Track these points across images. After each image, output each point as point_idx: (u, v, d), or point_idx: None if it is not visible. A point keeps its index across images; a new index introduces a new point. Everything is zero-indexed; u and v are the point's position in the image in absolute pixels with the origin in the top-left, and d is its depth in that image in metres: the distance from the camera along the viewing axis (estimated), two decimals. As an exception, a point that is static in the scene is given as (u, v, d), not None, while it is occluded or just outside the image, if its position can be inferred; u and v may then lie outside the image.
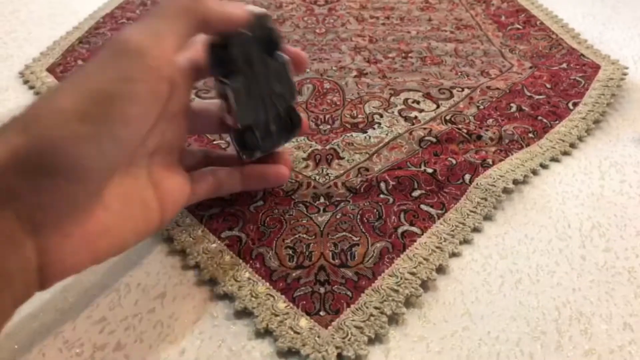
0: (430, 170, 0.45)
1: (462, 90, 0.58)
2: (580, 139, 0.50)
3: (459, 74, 0.62)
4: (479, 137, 0.50)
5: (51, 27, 0.77)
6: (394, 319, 0.33)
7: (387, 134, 0.50)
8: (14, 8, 0.84)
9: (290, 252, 0.37)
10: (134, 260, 0.37)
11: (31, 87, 0.60)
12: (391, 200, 0.42)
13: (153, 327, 0.32)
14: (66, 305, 0.34)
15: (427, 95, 0.57)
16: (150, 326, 0.33)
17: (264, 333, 0.32)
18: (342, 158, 0.47)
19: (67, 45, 0.70)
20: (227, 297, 0.34)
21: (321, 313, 0.33)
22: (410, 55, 0.67)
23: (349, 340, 0.31)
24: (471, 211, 0.41)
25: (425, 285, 0.35)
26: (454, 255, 0.37)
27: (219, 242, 0.38)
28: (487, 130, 0.51)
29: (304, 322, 0.32)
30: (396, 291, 0.34)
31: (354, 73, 0.63)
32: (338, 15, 0.81)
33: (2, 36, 0.74)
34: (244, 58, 0.33)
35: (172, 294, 0.35)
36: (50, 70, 0.64)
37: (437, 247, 0.37)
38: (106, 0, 0.87)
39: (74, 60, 0.66)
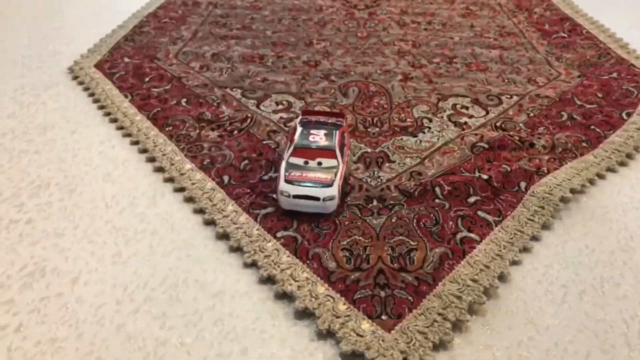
0: (485, 177, 0.44)
1: (511, 97, 0.58)
2: (636, 149, 0.49)
3: (506, 81, 0.62)
4: (532, 145, 0.49)
5: (96, 24, 0.78)
6: (457, 326, 0.32)
7: (437, 139, 0.50)
8: (59, 6, 0.85)
9: (347, 254, 0.37)
10: (190, 256, 0.37)
11: (80, 83, 0.61)
12: (447, 205, 0.41)
13: (213, 324, 0.32)
14: (126, 298, 0.34)
15: (476, 101, 0.57)
16: (210, 323, 0.32)
17: (326, 334, 0.31)
18: (393, 161, 0.47)
19: (113, 43, 0.71)
20: (286, 296, 0.34)
21: (383, 317, 0.32)
22: (455, 60, 0.67)
23: (414, 345, 0.30)
24: (529, 219, 0.40)
25: (487, 292, 0.34)
26: (514, 263, 0.37)
27: (274, 240, 0.38)
28: (539, 138, 0.50)
29: (366, 325, 0.32)
30: (459, 298, 0.33)
31: (399, 77, 0.62)
32: (379, 20, 0.81)
33: (49, 32, 0.75)
34: None
35: (231, 291, 0.34)
36: (98, 66, 0.64)
37: (497, 255, 0.37)
38: (148, 0, 0.88)
39: (120, 57, 0.67)
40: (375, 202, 0.42)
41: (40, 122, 0.53)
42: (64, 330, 0.31)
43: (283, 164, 0.41)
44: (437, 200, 0.42)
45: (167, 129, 0.51)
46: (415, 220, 0.40)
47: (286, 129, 0.52)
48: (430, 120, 0.53)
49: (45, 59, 0.67)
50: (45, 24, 0.78)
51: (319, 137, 0.43)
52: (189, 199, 0.43)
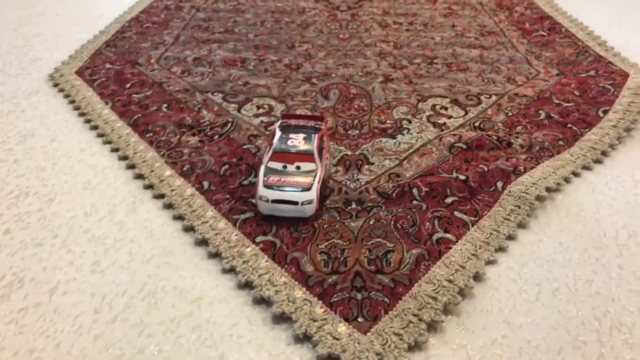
0: (462, 177, 0.45)
1: (490, 96, 0.58)
2: (612, 147, 0.49)
3: (486, 80, 0.62)
4: (509, 144, 0.49)
5: (78, 30, 0.78)
6: (432, 327, 0.32)
7: (416, 140, 0.50)
8: (41, 11, 0.85)
9: (325, 258, 0.37)
10: (169, 263, 0.37)
11: (61, 90, 0.61)
12: (424, 206, 0.42)
13: (191, 331, 0.32)
14: (104, 307, 0.34)
15: (455, 102, 0.57)
16: (188, 330, 0.33)
17: (303, 338, 0.32)
18: (372, 163, 0.47)
19: (95, 49, 0.71)
20: (264, 301, 0.34)
21: (359, 319, 0.33)
22: (435, 61, 0.67)
23: (389, 347, 0.31)
24: (505, 219, 0.41)
25: (462, 292, 0.35)
26: (489, 262, 0.37)
27: (253, 246, 0.38)
28: (517, 137, 0.50)
29: (342, 327, 0.32)
30: (434, 298, 0.34)
31: (380, 78, 0.63)
32: (361, 21, 0.81)
33: (30, 39, 0.75)
34: None
35: (209, 297, 0.35)
36: (79, 73, 0.64)
37: (473, 255, 0.37)
38: (131, 4, 0.88)
39: (102, 63, 0.67)
40: (354, 205, 0.42)
41: (20, 130, 0.53)
42: (41, 340, 0.31)
43: (262, 169, 0.41)
44: (414, 202, 0.42)
45: (147, 135, 0.52)
46: (392, 222, 0.40)
47: (267, 132, 0.52)
48: (410, 122, 0.54)
49: (25, 66, 0.67)
50: (25, 30, 0.78)
51: (297, 141, 0.43)
52: (169, 206, 0.43)
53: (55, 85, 0.62)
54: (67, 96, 0.59)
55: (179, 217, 0.42)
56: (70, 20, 0.83)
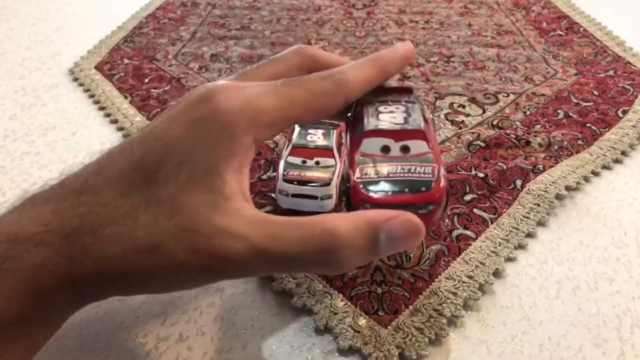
0: (481, 175, 0.45)
1: (508, 95, 0.58)
2: (631, 146, 0.49)
3: (503, 79, 0.62)
4: (528, 143, 0.49)
5: (96, 26, 0.78)
6: (453, 322, 0.33)
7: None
8: (59, 7, 0.86)
9: (345, 252, 0.37)
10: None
11: (81, 84, 0.61)
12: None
13: (213, 321, 0.33)
14: (127, 297, 0.34)
15: (473, 100, 0.57)
16: (210, 319, 0.33)
17: (324, 330, 0.32)
18: (391, 160, 0.47)
19: (113, 44, 0.72)
20: (284, 294, 0.35)
21: (379, 313, 0.33)
22: (452, 59, 0.67)
23: (409, 340, 0.31)
24: (524, 216, 0.41)
25: (482, 288, 0.35)
26: (509, 259, 0.37)
27: (273, 239, 0.39)
28: (535, 136, 0.50)
29: (363, 321, 0.32)
30: (454, 294, 0.34)
31: (397, 76, 0.63)
32: (377, 19, 0.82)
33: (50, 34, 0.76)
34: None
35: (231, 288, 0.35)
36: (98, 67, 0.65)
37: (493, 252, 0.37)
38: (147, 1, 0.88)
39: (120, 59, 0.68)
40: (372, 201, 0.42)
41: (41, 123, 0.54)
42: (65, 329, 0.32)
43: (281, 163, 0.41)
44: (433, 198, 0.42)
45: (167, 129, 0.52)
46: (412, 218, 0.40)
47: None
48: (428, 119, 0.54)
49: (45, 61, 0.68)
50: (44, 25, 0.79)
51: (316, 137, 0.43)
52: (189, 199, 0.43)
53: (75, 79, 0.62)
54: (87, 90, 0.60)
55: (199, 210, 0.42)
56: (87, 16, 0.83)
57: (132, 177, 0.22)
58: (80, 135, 0.52)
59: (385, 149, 0.24)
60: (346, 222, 0.21)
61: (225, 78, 0.26)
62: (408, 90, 0.29)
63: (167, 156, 0.22)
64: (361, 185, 0.23)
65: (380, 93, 0.27)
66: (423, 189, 0.22)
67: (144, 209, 0.22)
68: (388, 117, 0.26)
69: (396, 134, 0.25)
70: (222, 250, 0.21)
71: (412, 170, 0.23)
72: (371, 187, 0.23)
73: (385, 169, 0.23)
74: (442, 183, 0.23)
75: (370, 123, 0.25)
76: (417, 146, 0.24)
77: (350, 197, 0.24)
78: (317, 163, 0.42)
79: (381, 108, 0.26)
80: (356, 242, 0.21)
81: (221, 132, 0.23)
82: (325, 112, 0.25)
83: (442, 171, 0.23)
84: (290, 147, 0.43)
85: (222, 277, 0.23)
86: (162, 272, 0.22)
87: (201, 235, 0.21)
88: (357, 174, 0.24)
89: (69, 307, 0.24)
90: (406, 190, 0.22)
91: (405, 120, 0.25)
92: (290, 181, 0.40)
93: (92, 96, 0.59)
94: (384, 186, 0.23)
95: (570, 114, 0.54)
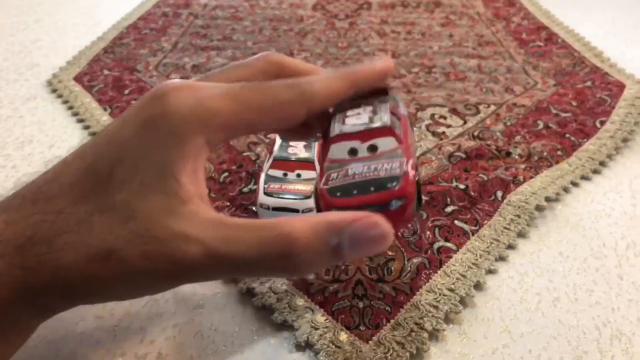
0: (462, 186, 0.45)
1: (488, 106, 0.59)
2: (609, 157, 0.50)
3: (484, 90, 0.63)
4: (508, 154, 0.50)
5: (75, 36, 0.78)
6: (434, 335, 0.33)
7: (416, 149, 0.51)
8: (38, 17, 0.85)
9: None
10: (171, 271, 0.37)
11: (59, 96, 0.60)
12: (425, 215, 0.42)
13: (193, 338, 0.32)
14: (105, 314, 0.34)
15: (454, 111, 0.58)
16: (189, 336, 0.32)
17: (305, 346, 0.32)
18: (372, 172, 0.47)
19: (93, 55, 0.71)
20: (265, 309, 0.34)
21: (361, 327, 0.33)
22: (433, 70, 0.68)
23: (391, 355, 0.31)
24: (505, 228, 0.41)
25: (463, 301, 0.35)
26: (490, 272, 0.37)
27: (254, 253, 0.38)
28: (515, 146, 0.51)
29: (344, 336, 0.32)
30: (435, 307, 0.34)
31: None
32: (359, 30, 0.82)
33: (27, 45, 0.75)
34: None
35: (211, 305, 0.35)
36: (77, 79, 0.64)
37: (474, 264, 0.37)
38: (129, 11, 0.88)
39: (100, 70, 0.67)
40: (354, 213, 0.42)
41: (18, 136, 0.53)
42: (41, 349, 0.31)
43: (262, 176, 0.41)
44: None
45: (147, 141, 0.51)
46: (393, 231, 0.40)
47: (266, 140, 0.52)
48: (409, 130, 0.54)
49: (22, 72, 0.67)
50: (23, 35, 0.78)
51: (298, 149, 0.43)
52: (169, 212, 0.43)
53: (54, 91, 0.62)
54: (65, 102, 0.59)
55: (179, 224, 0.41)
56: (67, 26, 0.82)
57: (85, 183, 0.22)
58: (58, 148, 0.51)
59: (353, 152, 0.24)
60: (304, 225, 0.21)
61: (189, 79, 0.26)
62: (383, 91, 0.28)
63: (119, 159, 0.22)
64: (327, 191, 0.23)
65: (355, 97, 0.27)
66: (389, 185, 0.22)
67: (99, 215, 0.21)
68: (353, 119, 0.25)
69: (362, 135, 0.24)
70: (178, 255, 0.20)
71: (379, 168, 0.22)
72: (337, 192, 0.22)
73: (351, 171, 0.23)
74: (411, 176, 0.22)
75: (335, 129, 0.25)
76: (385, 143, 0.24)
77: (319, 205, 0.23)
78: (299, 176, 0.41)
79: (349, 112, 0.26)
80: (314, 246, 0.20)
81: (171, 132, 0.22)
82: (285, 121, 0.25)
83: (411, 163, 0.22)
84: (271, 160, 0.42)
85: (181, 282, 0.23)
86: (118, 278, 0.21)
87: (157, 240, 0.21)
88: (323, 181, 0.23)
89: (31, 319, 0.23)
90: (372, 189, 0.22)
91: (371, 119, 0.25)
92: (271, 194, 0.40)
93: (70, 108, 0.58)
94: (349, 189, 0.22)
95: (550, 124, 0.55)
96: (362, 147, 0.24)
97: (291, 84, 0.25)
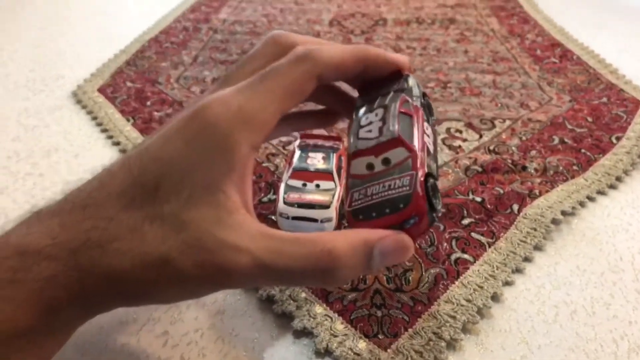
0: (478, 199, 0.45)
1: (504, 121, 0.59)
2: (626, 172, 0.50)
3: (499, 105, 0.63)
4: (524, 168, 0.50)
5: (99, 49, 0.80)
6: (451, 345, 0.33)
7: (432, 162, 0.51)
8: (64, 30, 0.88)
9: (345, 275, 0.38)
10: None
11: (84, 107, 0.62)
12: (442, 227, 0.42)
13: (214, 343, 0.33)
14: (129, 319, 0.34)
15: (469, 125, 0.58)
16: (211, 342, 0.33)
17: (324, 353, 0.32)
18: (389, 184, 0.48)
19: (116, 67, 0.73)
20: (285, 316, 0.35)
21: (379, 336, 0.33)
22: (449, 85, 0.69)
23: (409, 363, 0.31)
24: (521, 241, 0.41)
25: (480, 312, 0.35)
26: (507, 283, 0.38)
27: (274, 262, 0.39)
28: (531, 161, 0.51)
29: (363, 344, 0.33)
30: (453, 317, 0.34)
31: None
32: (375, 46, 0.83)
33: (53, 57, 0.77)
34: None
35: (232, 310, 0.35)
36: (101, 90, 0.66)
37: (491, 275, 0.38)
38: (150, 25, 0.90)
39: (123, 82, 0.69)
40: (371, 224, 0.43)
41: (44, 145, 0.54)
42: (69, 352, 0.32)
43: (282, 186, 0.42)
44: (432, 222, 0.43)
45: (168, 151, 0.53)
46: (410, 242, 0.41)
47: (285, 152, 0.53)
48: (425, 144, 0.55)
49: (48, 83, 0.69)
50: (48, 48, 0.80)
51: (316, 160, 0.44)
52: (190, 221, 0.43)
53: (78, 101, 0.63)
54: (89, 112, 0.61)
55: (200, 232, 0.42)
56: (91, 39, 0.85)
57: (133, 193, 0.23)
58: (83, 157, 0.53)
59: (370, 167, 0.26)
60: (345, 242, 0.23)
61: (211, 86, 0.27)
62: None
63: (164, 175, 0.23)
64: (351, 214, 0.25)
65: (372, 86, 0.29)
66: (401, 205, 0.24)
67: (149, 224, 0.22)
68: (365, 132, 0.27)
69: (374, 150, 0.26)
70: (229, 265, 0.22)
71: (392, 186, 0.24)
72: (359, 215, 0.25)
73: (370, 189, 0.25)
74: (421, 192, 0.23)
75: (352, 144, 0.27)
76: (396, 155, 0.25)
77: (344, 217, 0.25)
78: (317, 186, 0.42)
79: (363, 119, 0.27)
80: (352, 262, 0.23)
81: (217, 147, 0.23)
82: (301, 97, 0.26)
83: (420, 176, 0.24)
84: (290, 171, 0.43)
85: (226, 288, 0.25)
86: (171, 284, 0.23)
87: (207, 251, 0.22)
88: (348, 202, 0.26)
89: (78, 319, 0.24)
90: (387, 211, 0.24)
91: (380, 131, 0.26)
92: (291, 204, 0.41)
93: (94, 118, 0.59)
94: (369, 211, 0.25)
95: (565, 139, 0.55)
96: (377, 162, 0.26)
97: (301, 56, 0.25)
